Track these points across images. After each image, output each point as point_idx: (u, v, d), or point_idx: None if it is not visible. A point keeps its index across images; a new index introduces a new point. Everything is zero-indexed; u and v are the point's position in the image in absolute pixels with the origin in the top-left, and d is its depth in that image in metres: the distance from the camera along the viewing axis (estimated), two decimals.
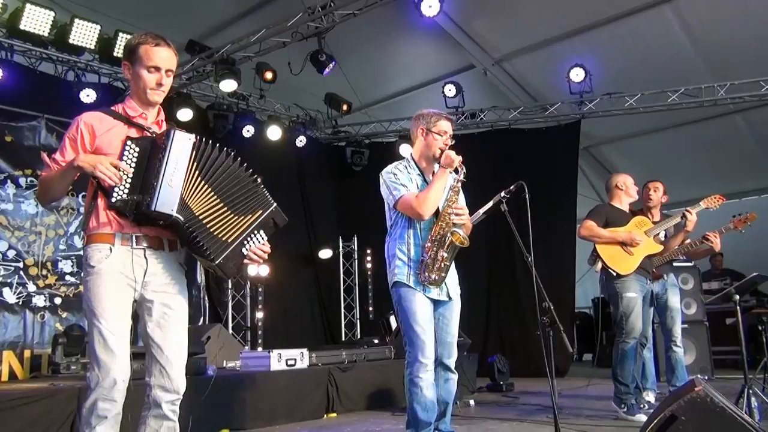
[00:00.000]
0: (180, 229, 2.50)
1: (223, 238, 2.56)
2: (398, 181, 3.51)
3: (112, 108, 2.63)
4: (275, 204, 2.70)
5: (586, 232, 4.88)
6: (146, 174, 2.45)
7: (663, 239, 5.06)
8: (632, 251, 4.75)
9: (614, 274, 4.74)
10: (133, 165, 2.45)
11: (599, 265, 4.84)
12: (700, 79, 7.98)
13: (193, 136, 2.52)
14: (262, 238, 2.66)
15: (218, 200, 2.56)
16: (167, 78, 2.61)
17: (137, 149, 2.47)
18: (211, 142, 2.56)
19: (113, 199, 2.41)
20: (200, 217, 2.52)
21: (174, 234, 2.60)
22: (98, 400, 2.35)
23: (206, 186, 2.54)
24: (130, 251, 2.50)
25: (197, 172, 2.51)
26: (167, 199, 2.42)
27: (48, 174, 2.51)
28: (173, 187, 2.43)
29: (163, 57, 2.58)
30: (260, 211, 2.66)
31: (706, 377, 6.11)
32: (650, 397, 5.16)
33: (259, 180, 2.69)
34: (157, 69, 2.57)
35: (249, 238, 2.62)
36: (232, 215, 2.59)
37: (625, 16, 7.62)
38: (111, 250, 2.47)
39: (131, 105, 2.62)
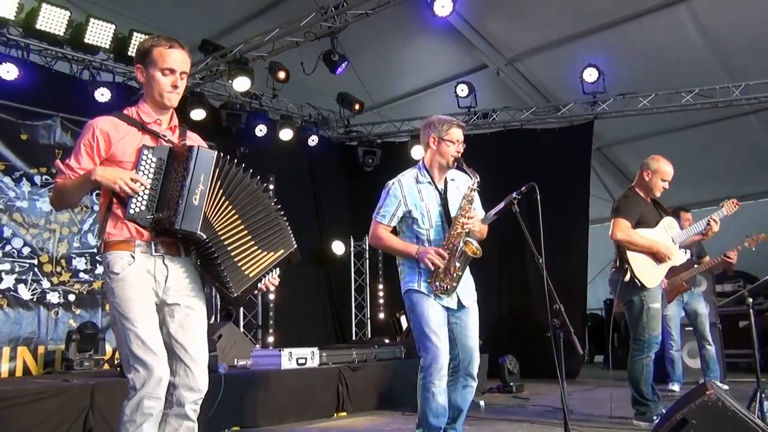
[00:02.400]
0: (201, 248, 2.51)
1: (246, 272, 2.58)
2: (389, 204, 3.53)
3: (125, 111, 2.62)
4: (296, 245, 2.73)
5: (623, 237, 4.42)
6: (166, 187, 2.46)
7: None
8: (660, 261, 4.50)
9: (639, 284, 4.44)
10: (150, 175, 2.46)
11: (628, 275, 4.45)
12: (714, 80, 7.92)
13: (215, 152, 2.51)
14: (276, 273, 2.71)
15: (242, 224, 2.57)
16: (181, 80, 2.61)
17: (154, 159, 2.47)
18: (237, 164, 2.56)
19: (131, 211, 2.42)
20: (223, 240, 2.51)
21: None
22: (144, 398, 2.39)
23: (229, 205, 2.53)
24: (151, 258, 2.52)
25: (220, 190, 2.51)
26: (191, 216, 2.42)
27: (63, 182, 2.51)
28: (197, 204, 2.43)
29: (177, 59, 2.58)
30: (282, 250, 2.69)
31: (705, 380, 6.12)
32: (675, 387, 6.19)
33: (280, 209, 2.69)
34: (172, 71, 2.57)
35: (267, 275, 2.67)
36: (257, 249, 2.61)
37: (639, 16, 7.57)
38: (132, 257, 2.49)
39: (146, 110, 2.62)
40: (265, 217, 2.65)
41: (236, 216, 2.56)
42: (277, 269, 2.70)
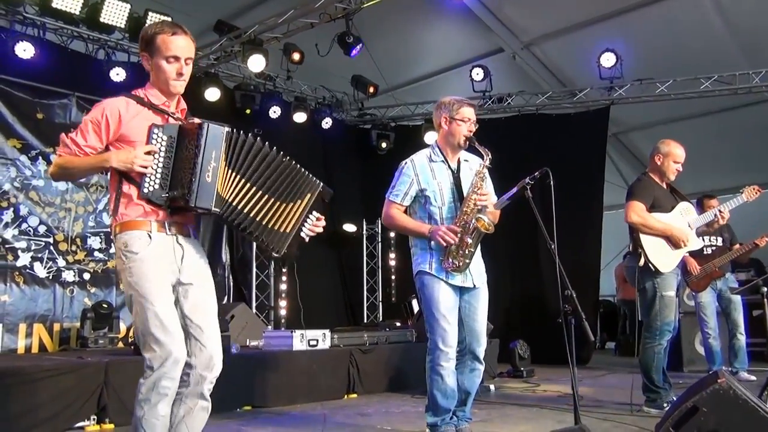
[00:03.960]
0: (225, 221, 2.57)
1: (281, 230, 2.65)
2: (402, 183, 3.53)
3: (134, 93, 2.62)
4: (321, 183, 2.77)
5: (638, 219, 4.32)
6: (178, 165, 2.48)
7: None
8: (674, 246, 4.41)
9: (653, 269, 4.36)
10: (162, 153, 2.47)
11: (642, 259, 4.37)
12: (734, 66, 7.80)
13: (226, 128, 2.52)
14: (315, 217, 2.76)
15: (259, 191, 2.59)
16: (187, 67, 2.60)
17: (164, 137, 2.48)
18: (243, 133, 2.56)
19: (145, 190, 2.45)
20: (244, 210, 2.55)
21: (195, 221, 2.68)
22: (161, 378, 2.41)
23: (242, 178, 2.55)
24: (168, 237, 2.55)
25: (233, 164, 2.52)
26: (206, 193, 2.44)
27: (69, 159, 2.50)
28: (210, 180, 2.45)
29: (181, 46, 2.56)
30: (309, 195, 2.73)
31: (731, 369, 6.04)
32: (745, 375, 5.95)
33: (292, 160, 2.71)
34: (176, 59, 2.56)
35: (305, 223, 2.72)
36: (283, 205, 2.64)
37: (659, 0, 7.45)
38: (150, 236, 2.50)
39: (154, 93, 2.62)
40: (283, 177, 2.66)
41: (252, 186, 2.58)
42: (314, 213, 2.75)
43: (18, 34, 6.56)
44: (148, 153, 2.45)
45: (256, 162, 2.59)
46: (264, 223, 2.60)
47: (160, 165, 2.47)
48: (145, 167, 2.43)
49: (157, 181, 2.46)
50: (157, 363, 2.41)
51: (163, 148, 2.48)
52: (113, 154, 2.47)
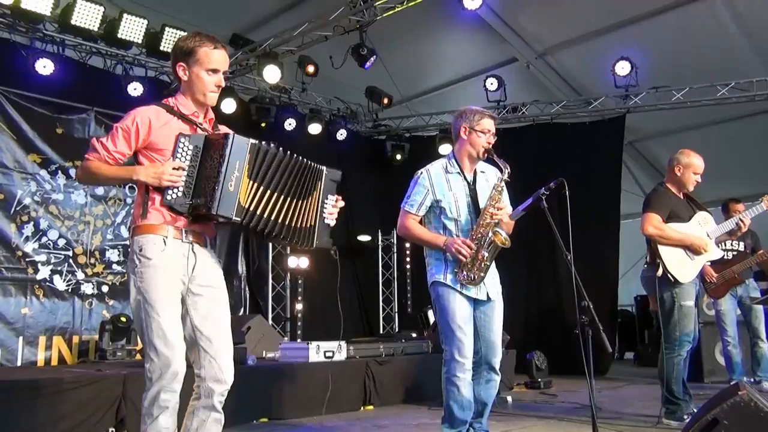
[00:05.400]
0: (247, 230, 2.62)
1: (307, 226, 2.73)
2: (417, 193, 3.53)
3: (165, 102, 2.68)
4: (324, 167, 2.85)
5: (655, 231, 4.29)
6: (202, 173, 2.51)
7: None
8: (694, 255, 4.36)
9: (672, 279, 4.32)
10: (187, 162, 2.52)
11: (661, 269, 4.33)
12: (752, 73, 7.73)
13: (251, 140, 2.56)
14: (333, 200, 2.85)
15: (280, 195, 2.63)
16: (222, 79, 2.69)
17: (190, 147, 2.54)
18: (266, 143, 2.62)
19: (168, 197, 2.49)
20: (270, 217, 2.59)
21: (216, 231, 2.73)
22: (160, 391, 2.43)
23: (266, 189, 2.59)
24: (182, 245, 2.57)
25: (255, 175, 2.56)
26: (228, 202, 2.48)
27: (98, 164, 2.55)
28: (232, 190, 2.48)
29: (221, 60, 2.66)
30: (319, 183, 2.81)
31: (754, 378, 5.95)
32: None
33: (306, 160, 2.78)
34: (216, 71, 2.65)
35: (324, 210, 2.80)
36: (301, 202, 2.71)
37: (674, 8, 7.43)
38: (165, 242, 2.52)
39: (184, 102, 2.68)
40: (299, 177, 2.72)
41: (273, 193, 2.61)
42: (328, 197, 2.83)
43: (38, 50, 6.68)
44: (176, 168, 2.49)
45: (273, 169, 2.62)
46: (288, 224, 2.65)
47: (185, 174, 2.52)
48: (173, 183, 2.48)
49: (181, 188, 2.50)
50: (156, 375, 2.43)
51: (188, 158, 2.53)
52: (142, 168, 2.53)
